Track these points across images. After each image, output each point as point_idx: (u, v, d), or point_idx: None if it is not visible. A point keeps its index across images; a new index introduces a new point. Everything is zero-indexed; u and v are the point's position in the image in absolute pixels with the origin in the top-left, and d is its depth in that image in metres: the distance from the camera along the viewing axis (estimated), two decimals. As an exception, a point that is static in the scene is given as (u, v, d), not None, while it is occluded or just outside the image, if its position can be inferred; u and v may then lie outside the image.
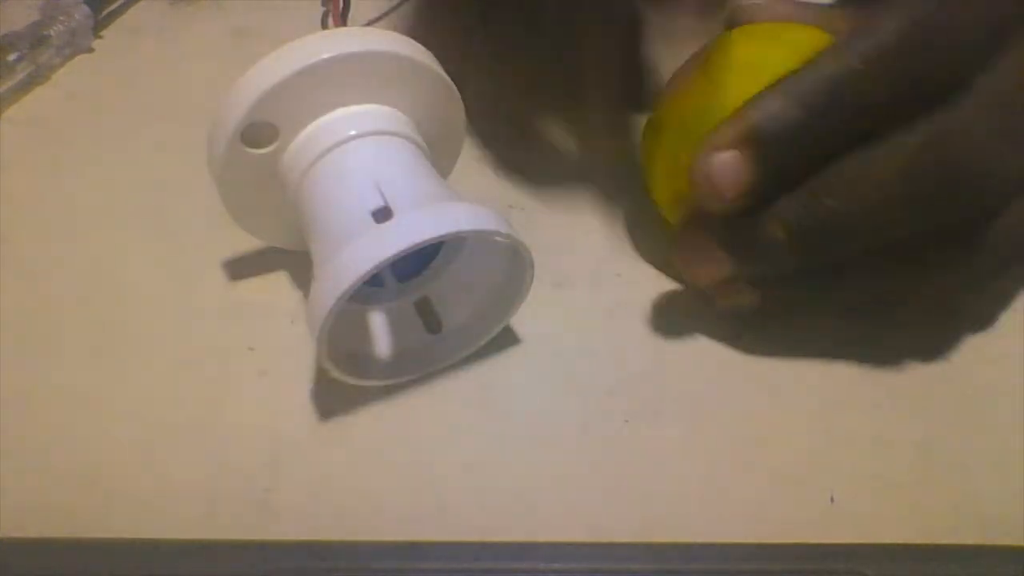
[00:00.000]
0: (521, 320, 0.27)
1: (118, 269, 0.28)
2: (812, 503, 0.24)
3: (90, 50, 0.33)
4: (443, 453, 0.24)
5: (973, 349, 0.26)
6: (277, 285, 0.28)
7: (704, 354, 0.26)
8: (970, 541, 0.23)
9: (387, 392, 0.25)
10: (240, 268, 0.28)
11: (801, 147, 0.22)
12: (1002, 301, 0.27)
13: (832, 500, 0.24)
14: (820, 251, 0.23)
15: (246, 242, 0.28)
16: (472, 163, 0.30)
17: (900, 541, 0.22)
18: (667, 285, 0.28)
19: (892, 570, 0.22)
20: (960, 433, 0.25)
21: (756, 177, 0.23)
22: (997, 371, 0.26)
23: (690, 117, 0.25)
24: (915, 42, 0.21)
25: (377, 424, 0.25)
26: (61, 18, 0.32)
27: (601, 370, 0.26)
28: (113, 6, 0.34)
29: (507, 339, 0.27)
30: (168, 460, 0.24)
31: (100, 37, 0.33)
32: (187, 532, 0.23)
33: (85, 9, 0.33)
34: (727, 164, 0.23)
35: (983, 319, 0.27)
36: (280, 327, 0.27)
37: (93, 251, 0.28)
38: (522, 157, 0.31)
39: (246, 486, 0.24)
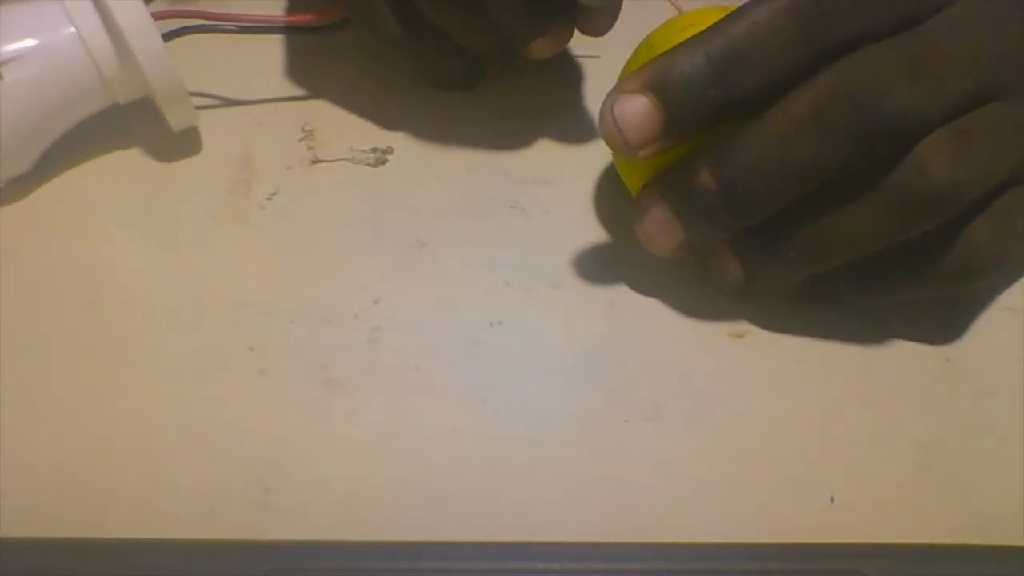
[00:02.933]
0: (521, 320, 0.27)
1: (118, 269, 0.28)
2: (812, 503, 0.24)
3: None
4: (443, 453, 0.24)
5: (973, 349, 0.26)
6: (277, 285, 0.28)
7: (704, 354, 0.26)
8: (970, 541, 0.23)
9: (387, 392, 0.25)
10: (240, 268, 0.28)
11: (708, 97, 0.22)
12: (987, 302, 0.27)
13: (832, 500, 0.24)
14: (751, 199, 0.23)
15: (246, 242, 0.28)
16: (475, 159, 0.30)
17: (900, 541, 0.22)
18: (667, 285, 0.28)
19: (892, 570, 0.22)
20: (960, 433, 0.25)
21: (661, 123, 0.23)
22: (997, 371, 0.26)
23: None
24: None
25: (377, 424, 0.25)
26: None
27: (601, 370, 0.26)
28: None
29: (507, 339, 0.27)
30: (168, 460, 0.24)
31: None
32: (187, 532, 0.23)
33: None
34: (631, 107, 0.23)
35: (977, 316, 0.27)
36: (280, 327, 0.27)
37: (93, 251, 0.28)
38: (524, 158, 0.31)
39: (246, 486, 0.24)
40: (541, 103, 0.32)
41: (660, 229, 0.25)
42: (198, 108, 0.29)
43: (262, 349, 0.26)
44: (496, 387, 0.26)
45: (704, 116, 0.23)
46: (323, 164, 0.29)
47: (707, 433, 0.25)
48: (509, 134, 0.31)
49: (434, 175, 0.30)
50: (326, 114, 0.31)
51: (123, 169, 0.30)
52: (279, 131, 0.31)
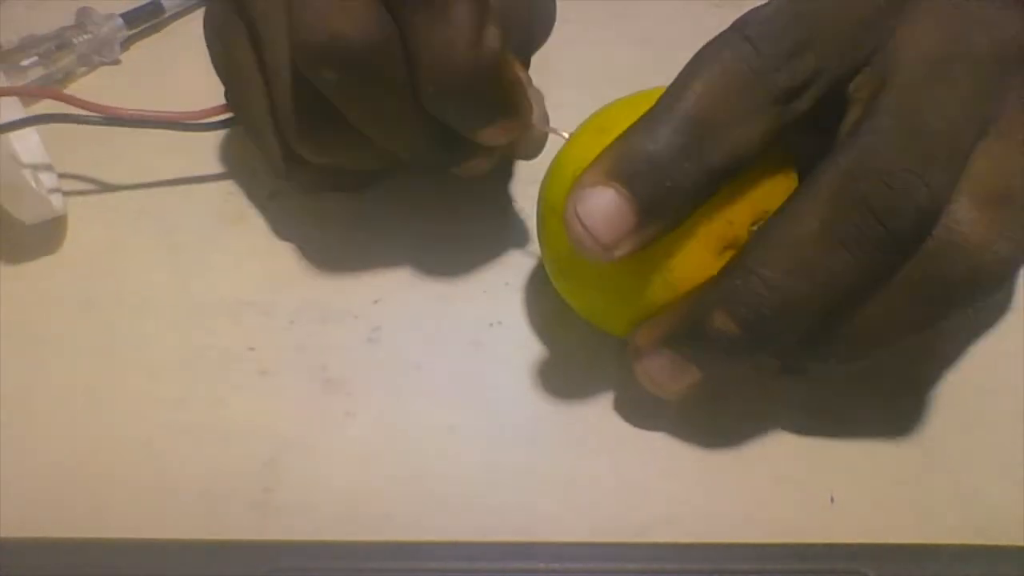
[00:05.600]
0: (521, 320, 0.27)
1: (118, 268, 0.28)
2: (812, 503, 0.24)
3: (116, 62, 0.33)
4: (443, 453, 0.24)
5: (973, 349, 0.26)
6: (277, 285, 0.28)
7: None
8: (970, 541, 0.23)
9: (388, 392, 0.25)
10: (240, 268, 0.28)
11: (682, 173, 0.20)
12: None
13: (832, 500, 0.24)
14: (779, 331, 0.21)
15: (246, 242, 0.28)
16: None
17: (900, 541, 0.22)
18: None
19: (892, 570, 0.22)
20: (960, 433, 0.25)
21: (634, 213, 0.20)
22: (997, 371, 0.26)
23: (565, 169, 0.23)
24: (770, 45, 0.20)
25: (377, 424, 0.25)
26: (91, 28, 0.32)
27: (601, 370, 0.26)
28: (150, 23, 0.34)
29: (507, 339, 0.27)
30: (168, 460, 0.24)
31: (128, 50, 0.34)
32: (187, 532, 0.23)
33: (118, 21, 0.33)
34: (595, 203, 0.20)
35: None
36: (280, 327, 0.27)
37: (93, 250, 0.28)
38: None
39: (246, 486, 0.24)
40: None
41: (671, 376, 0.22)
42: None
43: (262, 349, 0.26)
44: (496, 387, 0.26)
45: (681, 196, 0.20)
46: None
47: (707, 433, 0.25)
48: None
49: (434, 174, 0.29)
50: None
51: (123, 169, 0.30)
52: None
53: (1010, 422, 0.25)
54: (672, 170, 0.20)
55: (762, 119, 0.20)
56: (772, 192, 0.22)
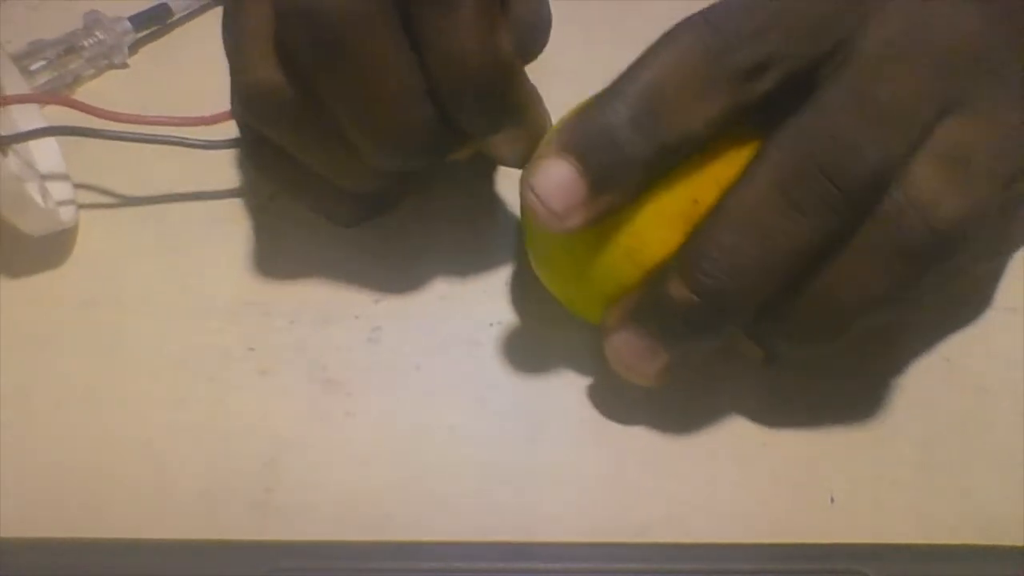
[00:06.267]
0: (521, 320, 0.27)
1: (119, 268, 0.28)
2: (812, 503, 0.24)
3: (124, 66, 0.33)
4: (443, 453, 0.24)
5: (973, 349, 0.26)
6: (277, 285, 0.28)
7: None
8: (970, 541, 0.23)
9: (388, 392, 0.25)
10: (240, 268, 0.28)
11: (634, 146, 0.20)
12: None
13: (832, 500, 0.24)
14: (739, 299, 0.21)
15: (246, 242, 0.28)
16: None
17: (900, 541, 0.22)
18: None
19: (892, 570, 0.22)
20: (960, 433, 0.25)
21: (586, 184, 0.20)
22: (997, 371, 0.26)
23: None
24: (730, 27, 0.20)
25: (377, 424, 0.25)
26: (98, 32, 0.32)
27: (601, 370, 0.26)
28: (158, 26, 0.34)
29: (507, 339, 0.27)
30: (168, 460, 0.24)
31: (136, 54, 0.34)
32: (187, 532, 0.23)
33: (126, 25, 0.33)
34: (549, 175, 0.20)
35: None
36: (280, 327, 0.27)
37: (94, 250, 0.28)
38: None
39: (246, 486, 0.24)
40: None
41: (640, 357, 0.22)
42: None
43: (262, 349, 0.26)
44: (496, 387, 0.26)
45: (632, 169, 0.20)
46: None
47: (707, 433, 0.25)
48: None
49: (434, 176, 0.30)
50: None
51: (124, 170, 0.30)
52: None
53: (1010, 422, 0.25)
54: (624, 143, 0.20)
55: (717, 98, 0.20)
56: (736, 164, 0.22)
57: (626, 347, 0.22)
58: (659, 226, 0.21)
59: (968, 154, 0.20)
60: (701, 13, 0.21)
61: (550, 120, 0.25)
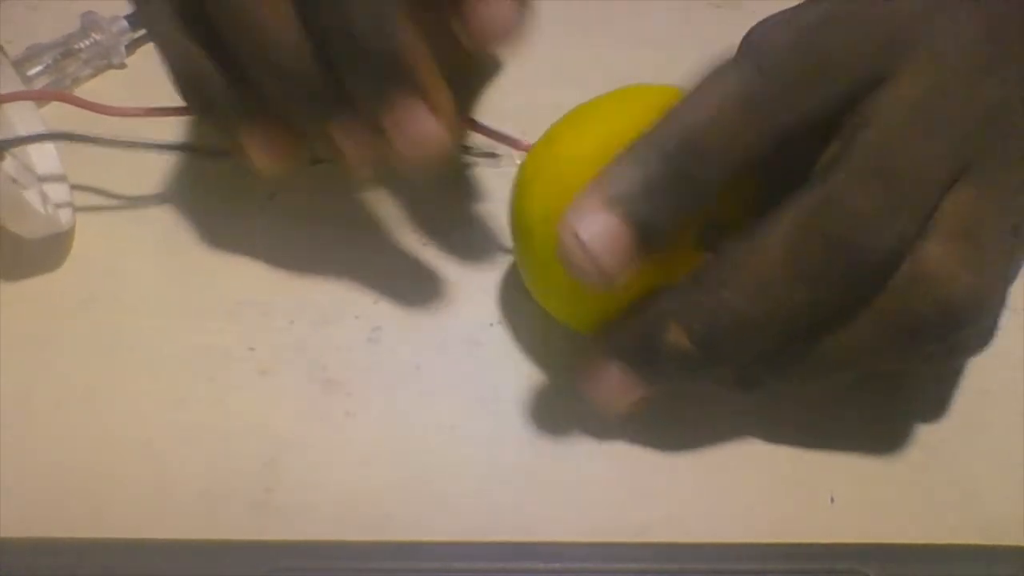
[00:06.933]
0: (521, 320, 0.27)
1: (118, 269, 0.28)
2: (812, 503, 0.24)
3: (122, 66, 0.33)
4: (443, 453, 0.24)
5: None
6: (277, 285, 0.28)
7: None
8: (970, 541, 0.23)
9: (388, 392, 0.25)
10: (240, 268, 0.28)
11: (677, 199, 0.20)
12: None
13: (832, 500, 0.24)
14: (733, 352, 0.21)
15: (246, 242, 0.28)
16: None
17: (900, 541, 0.22)
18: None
19: (892, 570, 0.22)
20: (960, 433, 0.25)
21: (633, 240, 0.20)
22: (997, 371, 0.26)
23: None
24: (780, 77, 0.20)
25: (376, 424, 0.25)
26: (94, 34, 0.32)
27: (601, 370, 0.26)
28: None
29: (507, 339, 0.27)
30: (168, 460, 0.24)
31: (133, 54, 0.34)
32: (186, 532, 0.23)
33: (123, 25, 0.33)
34: (599, 230, 0.20)
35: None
36: (280, 327, 0.27)
37: (93, 251, 0.28)
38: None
39: (246, 486, 0.24)
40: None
41: (620, 392, 0.22)
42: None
43: (262, 349, 0.26)
44: (496, 387, 0.26)
45: (675, 222, 0.20)
46: (323, 164, 0.29)
47: (707, 433, 0.25)
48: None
49: (436, 175, 0.30)
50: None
51: (123, 170, 0.30)
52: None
53: (1010, 422, 0.25)
54: (667, 196, 0.20)
55: (757, 146, 0.20)
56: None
57: (607, 381, 0.22)
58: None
59: (977, 226, 0.20)
60: (747, 54, 0.21)
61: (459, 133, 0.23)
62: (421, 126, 0.22)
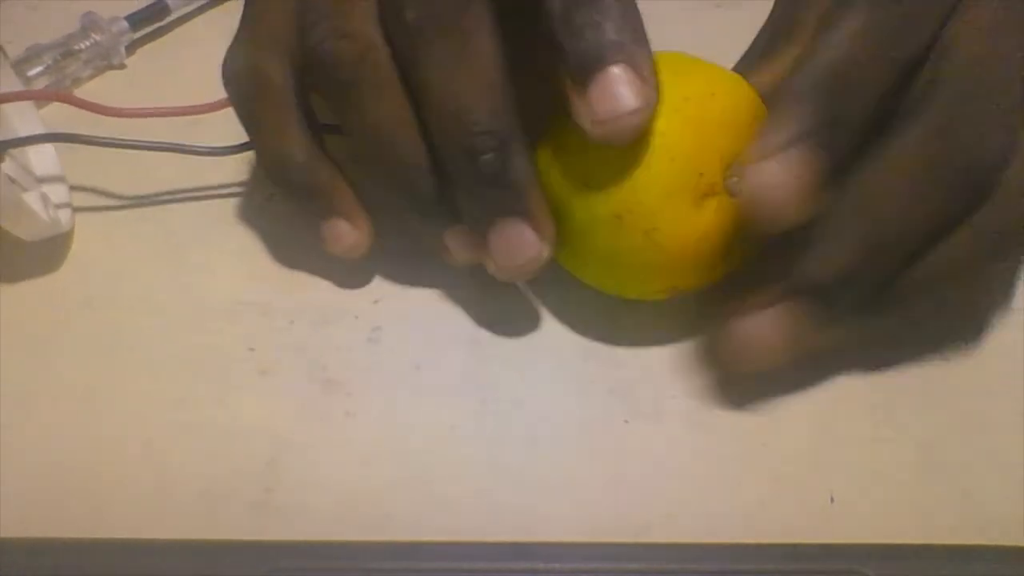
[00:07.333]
0: (521, 319, 0.27)
1: (118, 269, 0.28)
2: (812, 503, 0.24)
3: (122, 66, 0.33)
4: (443, 453, 0.24)
5: (973, 349, 0.26)
6: (277, 285, 0.28)
7: (704, 354, 0.26)
8: (970, 541, 0.23)
9: (388, 392, 0.25)
10: (240, 268, 0.28)
11: (841, 135, 0.21)
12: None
13: (832, 500, 0.24)
14: (877, 269, 0.22)
15: (246, 242, 0.28)
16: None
17: (900, 541, 0.22)
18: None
19: (892, 570, 0.22)
20: (960, 433, 0.25)
21: (820, 171, 0.21)
22: (997, 371, 0.26)
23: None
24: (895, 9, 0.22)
25: (376, 424, 0.25)
26: (94, 34, 0.32)
27: (601, 370, 0.26)
28: (155, 25, 0.34)
29: (507, 339, 0.27)
30: (168, 460, 0.24)
31: (133, 54, 0.34)
32: (186, 532, 0.23)
33: (123, 25, 0.33)
34: (789, 163, 0.21)
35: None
36: (280, 327, 0.27)
37: (93, 251, 0.28)
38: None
39: (246, 486, 0.24)
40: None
41: (790, 341, 0.23)
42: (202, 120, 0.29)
43: (262, 349, 0.26)
44: (496, 387, 0.26)
45: (841, 158, 0.21)
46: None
47: (707, 433, 0.25)
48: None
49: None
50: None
51: (124, 171, 0.30)
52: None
53: (1010, 422, 0.25)
54: (835, 133, 0.21)
55: (890, 78, 0.22)
56: (738, 135, 0.23)
57: (771, 331, 0.23)
58: (672, 206, 0.23)
59: None
60: None
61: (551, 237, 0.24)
62: (526, 249, 0.23)
